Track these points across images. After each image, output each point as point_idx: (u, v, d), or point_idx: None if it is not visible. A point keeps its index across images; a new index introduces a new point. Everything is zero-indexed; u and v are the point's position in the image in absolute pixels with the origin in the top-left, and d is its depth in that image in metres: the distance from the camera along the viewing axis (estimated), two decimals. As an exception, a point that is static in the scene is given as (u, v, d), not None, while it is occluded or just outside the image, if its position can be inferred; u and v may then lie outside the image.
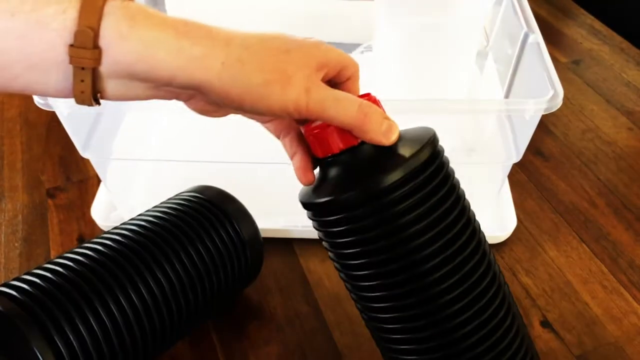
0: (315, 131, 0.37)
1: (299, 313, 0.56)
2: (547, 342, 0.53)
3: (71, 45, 0.31)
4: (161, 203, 0.53)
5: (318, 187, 0.38)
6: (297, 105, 0.34)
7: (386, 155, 0.36)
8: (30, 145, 0.74)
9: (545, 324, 0.55)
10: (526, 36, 0.56)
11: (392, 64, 0.67)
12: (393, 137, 0.36)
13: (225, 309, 0.56)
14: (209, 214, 0.51)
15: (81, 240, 0.63)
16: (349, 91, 0.37)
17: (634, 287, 0.58)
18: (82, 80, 0.32)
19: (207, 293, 0.49)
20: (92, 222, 0.64)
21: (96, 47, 0.31)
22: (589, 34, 0.91)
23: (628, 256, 0.60)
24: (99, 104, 0.34)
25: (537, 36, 0.56)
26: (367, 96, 0.38)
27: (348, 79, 0.38)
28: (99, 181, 0.68)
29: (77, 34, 0.31)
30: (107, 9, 0.31)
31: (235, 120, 0.39)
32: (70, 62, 0.32)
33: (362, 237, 0.37)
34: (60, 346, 0.39)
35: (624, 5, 0.96)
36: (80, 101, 0.33)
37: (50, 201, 0.67)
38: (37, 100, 0.50)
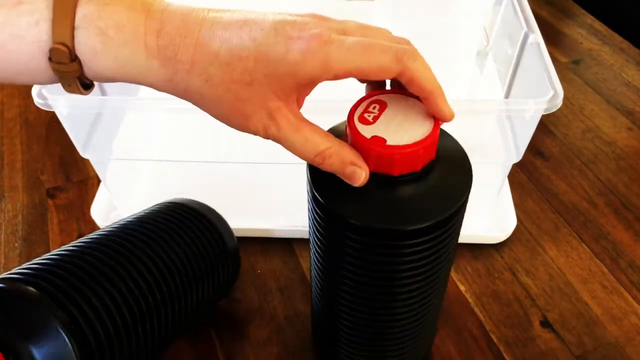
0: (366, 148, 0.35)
1: (299, 313, 0.56)
2: (547, 342, 0.53)
3: (50, 59, 0.32)
4: (148, 208, 0.54)
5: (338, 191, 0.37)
6: (257, 135, 0.34)
7: (417, 195, 0.35)
8: (30, 145, 0.74)
9: (545, 324, 0.55)
10: (526, 36, 0.56)
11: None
12: (357, 184, 0.34)
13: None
14: (194, 219, 0.52)
15: (81, 240, 0.63)
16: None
17: (634, 287, 0.58)
18: (69, 85, 0.33)
19: (204, 287, 0.50)
20: (92, 222, 0.64)
21: (74, 59, 0.32)
22: (589, 34, 0.91)
23: (628, 256, 0.60)
24: (92, 87, 0.35)
25: (537, 36, 0.55)
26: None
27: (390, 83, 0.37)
28: (99, 181, 0.68)
29: (52, 51, 0.31)
30: (79, 22, 0.31)
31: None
32: (54, 73, 0.32)
33: (350, 258, 0.37)
34: (82, 325, 0.40)
35: (624, 5, 0.96)
36: (72, 93, 0.34)
37: (50, 201, 0.67)
38: (37, 100, 0.50)
